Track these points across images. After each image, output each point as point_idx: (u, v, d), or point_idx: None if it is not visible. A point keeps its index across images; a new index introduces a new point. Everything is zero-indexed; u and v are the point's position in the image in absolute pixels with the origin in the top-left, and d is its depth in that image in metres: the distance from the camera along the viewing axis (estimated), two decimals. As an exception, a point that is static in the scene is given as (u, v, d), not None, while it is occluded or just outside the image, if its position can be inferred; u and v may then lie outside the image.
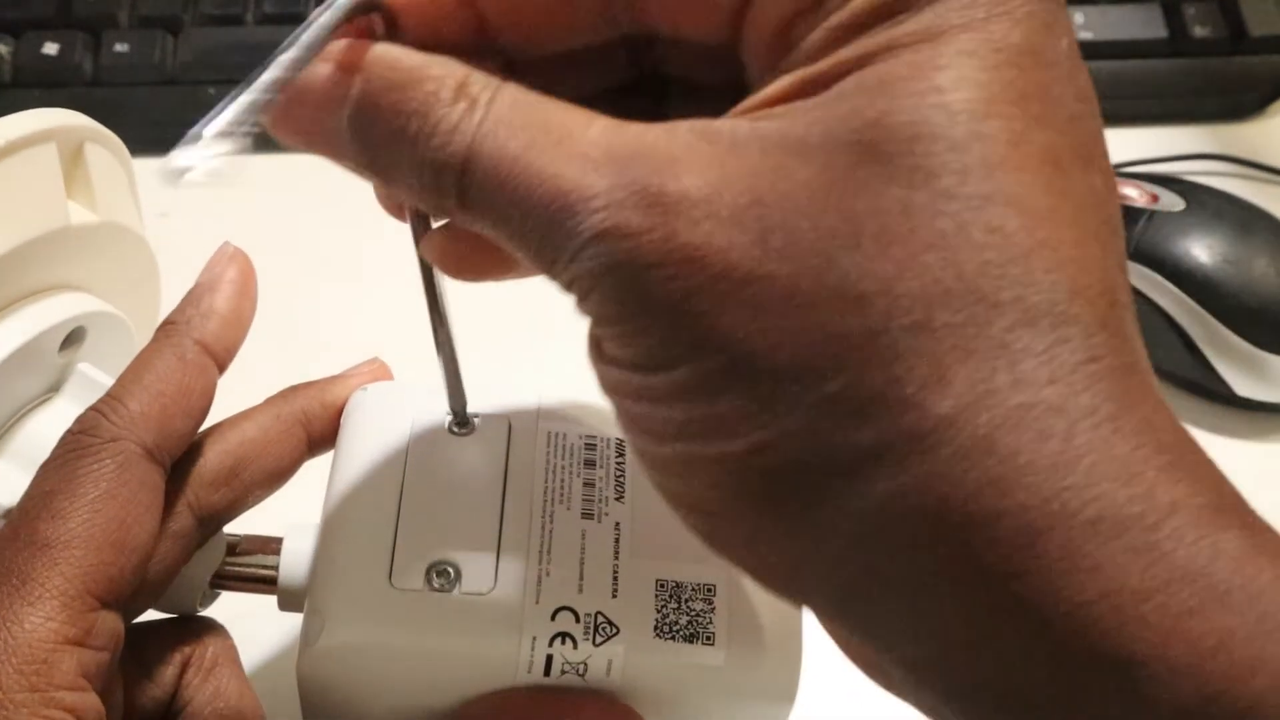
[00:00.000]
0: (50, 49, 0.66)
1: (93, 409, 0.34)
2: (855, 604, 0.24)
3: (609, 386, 0.27)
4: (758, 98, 0.25)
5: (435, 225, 0.31)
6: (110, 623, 0.32)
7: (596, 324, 0.26)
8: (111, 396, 0.34)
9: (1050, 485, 0.22)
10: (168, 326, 0.36)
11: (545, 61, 0.30)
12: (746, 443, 0.24)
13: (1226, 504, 0.23)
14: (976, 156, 0.23)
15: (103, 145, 0.42)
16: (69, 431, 0.34)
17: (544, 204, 0.25)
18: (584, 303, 0.26)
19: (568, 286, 0.26)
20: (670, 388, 0.25)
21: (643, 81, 0.32)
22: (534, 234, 0.25)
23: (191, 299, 0.37)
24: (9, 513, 0.37)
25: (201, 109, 0.65)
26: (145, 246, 0.45)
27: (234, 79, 0.69)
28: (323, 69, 0.27)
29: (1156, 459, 0.22)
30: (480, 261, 0.31)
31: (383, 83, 0.26)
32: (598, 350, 0.27)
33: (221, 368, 0.36)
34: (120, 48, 0.66)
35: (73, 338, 0.40)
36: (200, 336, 0.36)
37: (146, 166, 0.49)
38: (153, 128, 0.65)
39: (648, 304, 0.24)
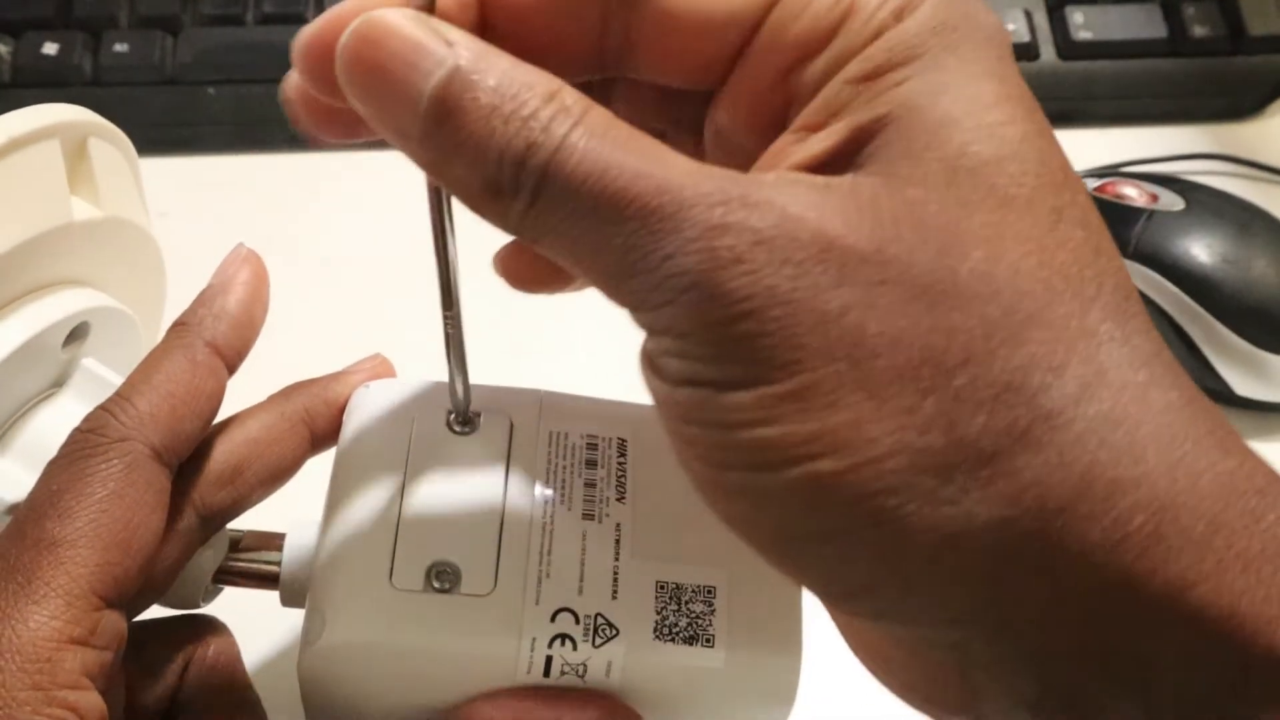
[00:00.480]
0: (50, 49, 0.66)
1: (102, 408, 0.34)
2: (988, 592, 0.25)
3: (682, 412, 0.26)
4: (812, 152, 0.27)
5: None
6: (114, 622, 0.32)
7: (675, 341, 0.25)
8: (120, 396, 0.34)
9: (1175, 452, 0.24)
10: (179, 327, 0.36)
11: None
12: (874, 450, 0.24)
13: None
14: (1047, 179, 0.25)
15: (107, 140, 0.42)
16: (77, 429, 0.34)
17: (643, 197, 0.24)
18: (662, 314, 0.25)
19: (645, 296, 0.25)
20: (782, 400, 0.24)
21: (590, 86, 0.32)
22: (621, 233, 0.24)
23: (203, 300, 0.37)
24: (14, 509, 0.37)
25: (201, 109, 0.65)
26: (151, 241, 0.45)
27: (234, 79, 0.70)
28: (414, 27, 0.26)
29: (1232, 439, 0.25)
30: (543, 272, 0.33)
31: (483, 63, 0.25)
32: (663, 375, 0.26)
33: (231, 370, 0.36)
34: (120, 48, 0.66)
35: (77, 333, 0.40)
36: (211, 338, 0.36)
37: (147, 166, 0.49)
38: (153, 128, 0.65)
39: (757, 309, 0.24)
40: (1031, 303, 0.24)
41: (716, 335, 0.24)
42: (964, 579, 0.24)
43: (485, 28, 0.29)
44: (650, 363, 0.27)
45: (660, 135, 0.28)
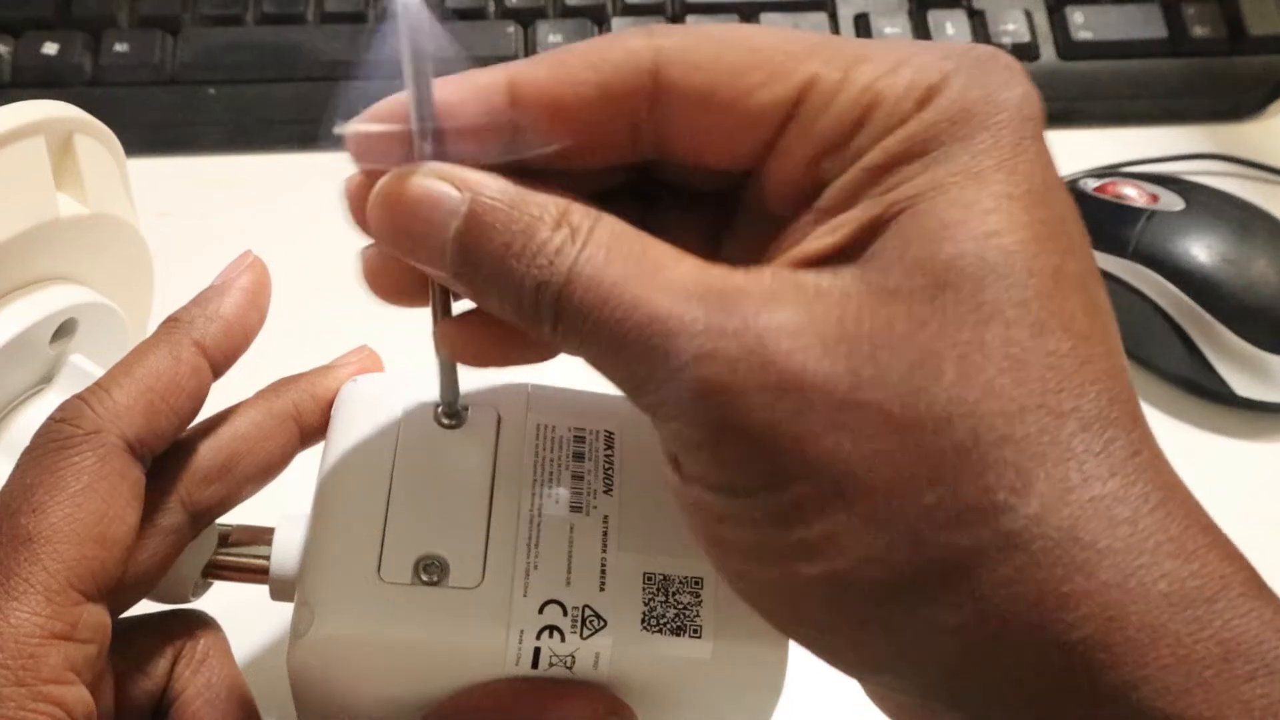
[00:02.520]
0: (50, 49, 0.66)
1: (78, 397, 0.34)
2: (958, 682, 0.27)
3: (693, 507, 0.29)
4: (818, 245, 0.28)
5: (453, 307, 0.33)
6: (96, 616, 0.32)
7: (684, 448, 0.28)
8: (99, 386, 0.34)
9: (1128, 565, 0.25)
10: (170, 323, 0.37)
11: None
12: (851, 559, 0.26)
13: (1259, 580, 0.26)
14: (1033, 291, 0.26)
15: (92, 136, 0.42)
16: (51, 418, 0.34)
17: (639, 329, 0.27)
18: (672, 424, 0.28)
19: (655, 409, 0.28)
20: (767, 511, 0.27)
21: (632, 186, 0.33)
22: (626, 358, 0.27)
23: (199, 300, 0.37)
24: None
25: (201, 109, 0.65)
26: (138, 236, 0.45)
27: (234, 79, 0.70)
28: (428, 182, 0.29)
29: (1203, 537, 0.26)
30: (494, 349, 0.33)
31: (491, 203, 0.28)
32: (680, 471, 0.29)
33: (217, 373, 0.36)
34: (120, 48, 0.66)
35: (64, 329, 0.40)
36: (200, 338, 0.36)
37: (146, 166, 0.49)
38: (152, 128, 0.65)
39: (743, 429, 0.26)
40: (1003, 423, 0.25)
41: (712, 453, 0.27)
42: (935, 671, 0.27)
43: (518, 132, 0.30)
44: (669, 457, 0.29)
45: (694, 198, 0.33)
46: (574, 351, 0.29)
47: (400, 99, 0.30)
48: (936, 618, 0.26)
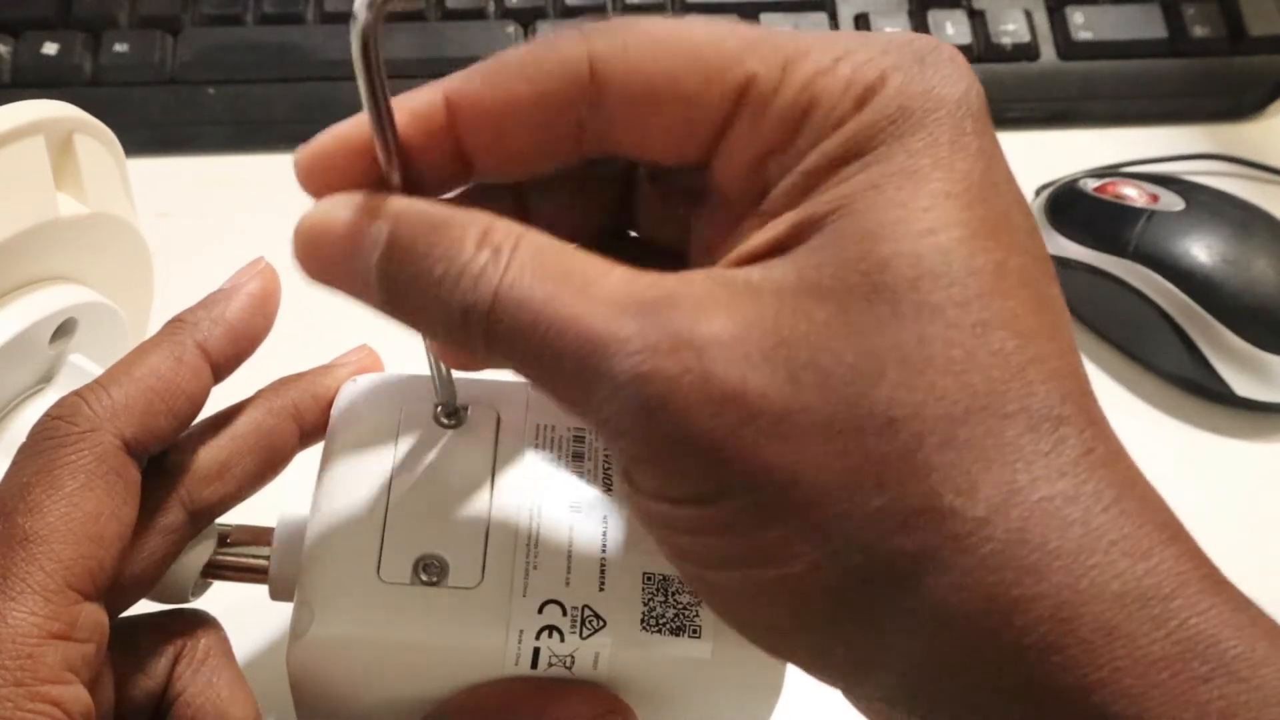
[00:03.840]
0: (50, 49, 0.66)
1: (76, 393, 0.34)
2: (916, 688, 0.27)
3: (647, 517, 0.29)
4: (754, 244, 0.28)
5: None
6: (93, 615, 0.32)
7: (632, 462, 0.28)
8: (98, 383, 0.34)
9: (1079, 565, 0.25)
10: (174, 324, 0.36)
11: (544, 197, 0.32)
12: (803, 564, 0.26)
13: (1219, 577, 0.26)
14: (973, 289, 0.26)
15: (92, 136, 0.42)
16: (47, 415, 0.34)
17: (573, 348, 0.26)
18: (617, 442, 0.27)
19: (598, 427, 0.28)
20: (717, 521, 0.27)
21: (621, 223, 0.34)
22: (561, 377, 0.27)
23: (207, 302, 0.37)
24: None
25: (201, 109, 0.65)
26: (138, 236, 0.45)
27: (234, 79, 0.70)
28: (346, 215, 0.29)
29: (1159, 535, 0.25)
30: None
31: (409, 230, 0.28)
32: (631, 483, 0.29)
33: (218, 377, 0.36)
34: (120, 48, 0.66)
35: (64, 329, 0.40)
36: (203, 340, 0.36)
37: (146, 166, 0.49)
38: (153, 128, 0.65)
39: (687, 444, 0.26)
40: (946, 425, 0.25)
41: (660, 467, 0.27)
42: (893, 677, 0.27)
43: (459, 145, 0.30)
44: (621, 470, 0.29)
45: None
46: (515, 370, 0.28)
47: (349, 125, 0.30)
48: (889, 623, 0.26)
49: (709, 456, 0.26)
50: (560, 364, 0.27)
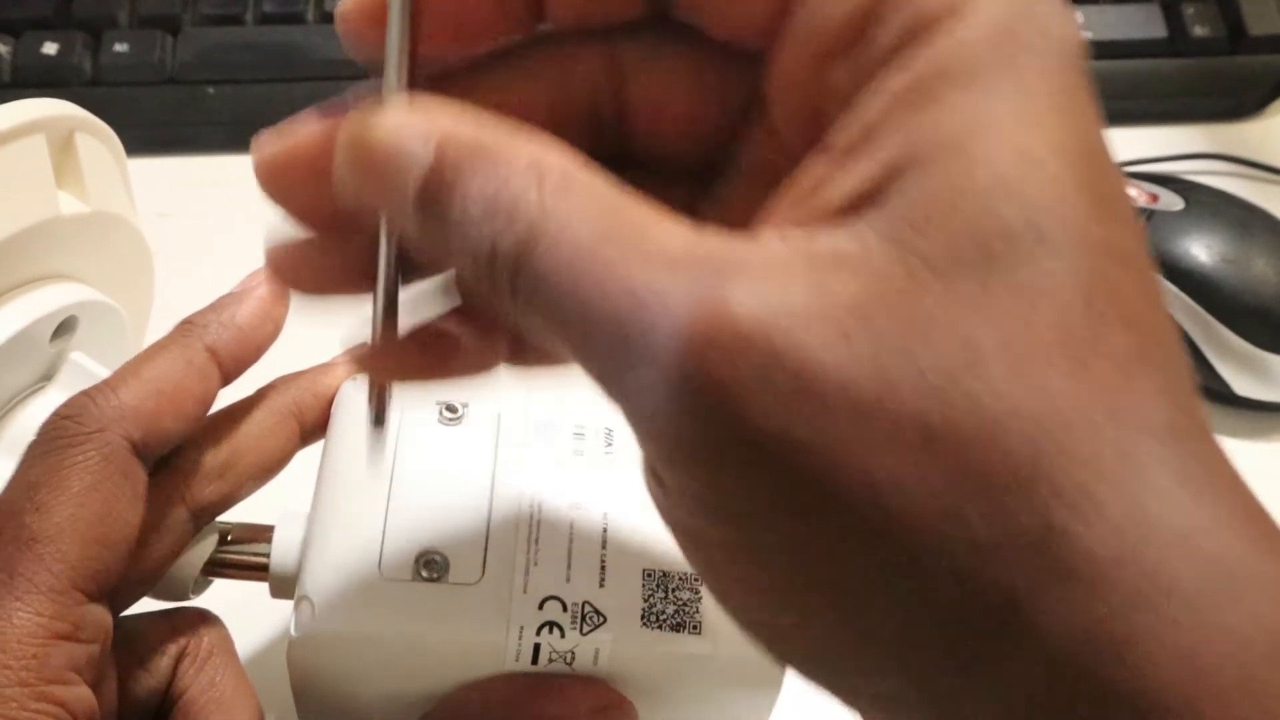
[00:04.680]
0: (50, 49, 0.66)
1: (84, 394, 0.34)
2: None
3: (678, 530, 0.24)
4: (833, 195, 0.22)
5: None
6: (98, 615, 0.32)
7: (664, 462, 0.23)
8: (106, 384, 0.34)
9: (1216, 608, 0.20)
10: (185, 326, 0.36)
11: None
12: (883, 605, 0.21)
13: None
14: (1087, 270, 0.21)
15: (93, 134, 0.42)
16: (55, 414, 0.34)
17: (614, 305, 0.22)
18: (649, 432, 0.23)
19: (633, 411, 0.23)
20: (773, 546, 0.22)
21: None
22: (596, 341, 0.22)
23: (217, 305, 0.37)
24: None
25: (201, 109, 0.65)
26: (138, 235, 0.45)
27: (234, 79, 0.70)
28: (391, 123, 0.24)
29: None
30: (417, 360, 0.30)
31: (456, 148, 0.24)
32: (662, 486, 0.24)
33: (226, 380, 0.36)
34: (120, 48, 0.66)
35: (65, 327, 0.40)
36: (212, 343, 0.36)
37: (146, 166, 0.49)
38: (153, 128, 0.65)
39: (740, 442, 0.21)
40: (1063, 433, 0.20)
41: (701, 470, 0.22)
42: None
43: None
44: (650, 469, 0.24)
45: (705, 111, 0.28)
46: (541, 331, 0.24)
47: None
48: (980, 669, 0.21)
49: (769, 461, 0.21)
50: (595, 325, 0.22)
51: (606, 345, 0.22)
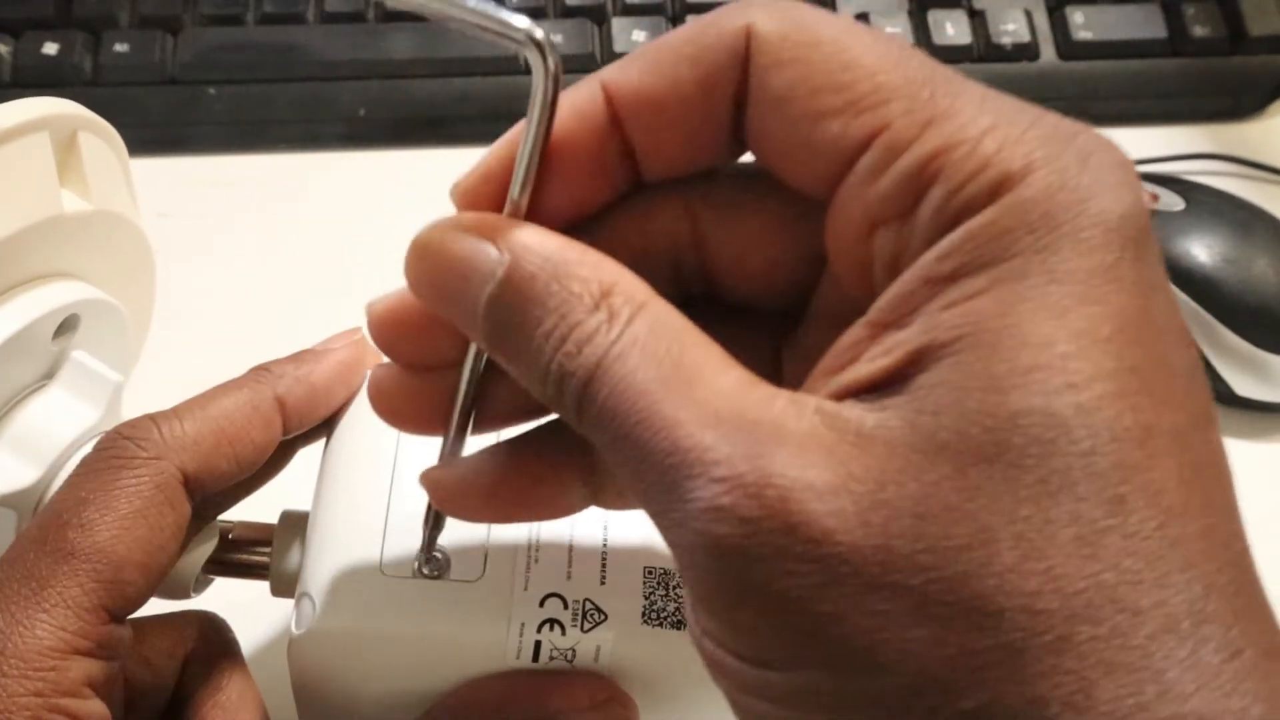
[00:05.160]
0: (50, 49, 0.66)
1: (148, 417, 0.34)
2: None
3: (711, 664, 0.25)
4: (864, 373, 0.24)
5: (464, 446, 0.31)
6: (120, 635, 0.32)
7: (698, 602, 0.25)
8: (173, 412, 0.34)
9: None
10: (260, 371, 0.37)
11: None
12: None
13: None
14: (1113, 458, 0.22)
15: (96, 133, 0.42)
16: (117, 432, 0.34)
17: (659, 454, 0.23)
18: (687, 571, 0.24)
19: (672, 546, 0.24)
20: (786, 689, 0.23)
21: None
22: (643, 480, 0.24)
23: (296, 358, 0.37)
24: (6, 499, 0.37)
25: (201, 109, 0.65)
26: (140, 234, 0.45)
27: (234, 79, 0.69)
28: (465, 239, 0.26)
29: None
30: (491, 504, 0.31)
31: (528, 269, 0.25)
32: (698, 623, 0.25)
33: (287, 433, 0.36)
34: (120, 48, 0.66)
35: (66, 325, 0.40)
36: (283, 394, 0.36)
37: (147, 166, 0.49)
38: (153, 128, 0.65)
39: (757, 598, 0.23)
40: (1064, 622, 0.21)
41: (725, 617, 0.24)
42: None
43: (623, 139, 0.28)
44: (689, 606, 0.26)
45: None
46: (600, 448, 0.25)
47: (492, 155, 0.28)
48: None
49: (781, 617, 0.22)
50: (644, 466, 0.24)
51: (655, 484, 0.24)
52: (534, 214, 0.27)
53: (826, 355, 0.25)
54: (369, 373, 0.32)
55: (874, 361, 0.24)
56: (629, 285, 0.25)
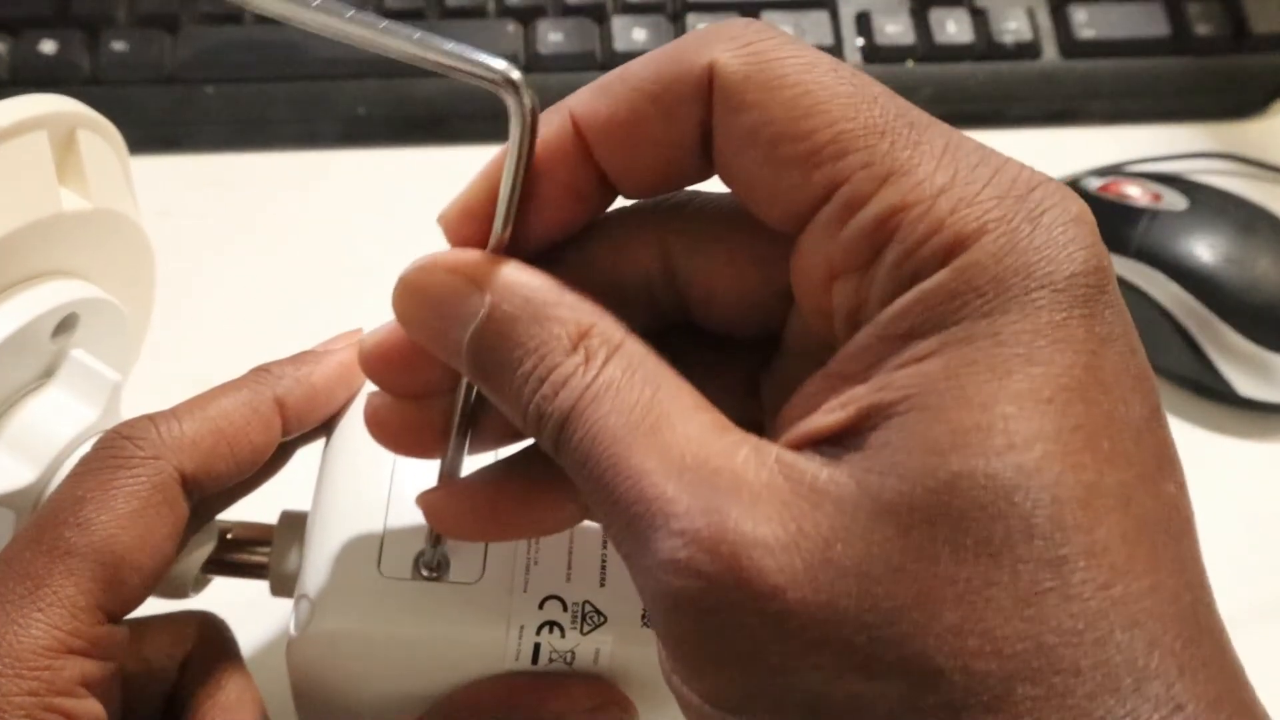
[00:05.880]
0: (48, 47, 0.65)
1: (147, 418, 0.34)
2: None
3: (680, 702, 0.26)
4: (821, 425, 0.24)
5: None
6: (116, 635, 0.32)
7: (662, 644, 0.26)
8: (171, 412, 0.34)
9: None
10: (259, 373, 0.36)
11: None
12: None
13: None
14: (1054, 519, 0.22)
15: (95, 131, 0.42)
16: (116, 431, 0.34)
17: (626, 501, 0.24)
18: (652, 615, 0.25)
19: (639, 590, 0.26)
20: None
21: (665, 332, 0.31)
22: (614, 523, 0.25)
23: (296, 359, 0.37)
24: (5, 499, 0.37)
25: (200, 108, 0.65)
26: (140, 232, 0.45)
27: (233, 78, 0.69)
28: (447, 279, 0.27)
29: None
30: (488, 523, 0.32)
31: (509, 310, 0.27)
32: (667, 663, 0.26)
33: (287, 433, 0.36)
34: (118, 46, 0.66)
35: (65, 324, 0.40)
36: (282, 396, 0.36)
37: (146, 165, 0.49)
38: (151, 126, 0.65)
39: (714, 646, 0.24)
40: (1000, 682, 0.22)
41: (684, 662, 0.25)
42: None
43: (595, 165, 0.28)
44: (659, 647, 0.27)
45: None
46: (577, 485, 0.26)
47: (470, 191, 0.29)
48: None
49: (734, 666, 0.24)
50: (614, 511, 0.25)
51: (623, 530, 0.25)
52: (516, 241, 0.28)
53: (793, 399, 0.27)
54: (366, 395, 0.32)
55: (831, 414, 0.24)
56: (606, 326, 0.26)
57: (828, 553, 0.23)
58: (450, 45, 0.26)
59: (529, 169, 0.27)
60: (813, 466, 0.24)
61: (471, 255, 0.28)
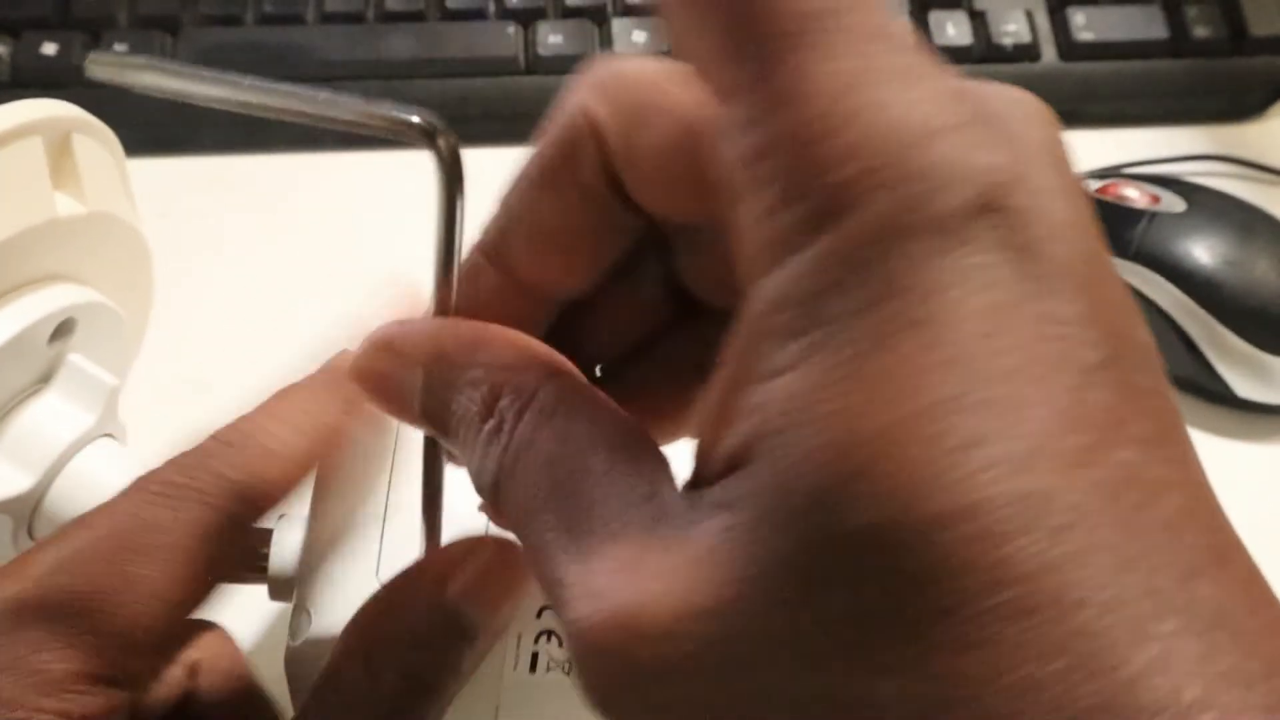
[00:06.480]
0: (49, 49, 0.65)
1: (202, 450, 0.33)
2: None
3: None
4: (710, 464, 0.23)
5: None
6: (141, 665, 0.32)
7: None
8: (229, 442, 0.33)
9: None
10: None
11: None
12: None
13: None
14: (918, 552, 0.20)
15: (90, 135, 0.42)
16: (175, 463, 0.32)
17: (542, 577, 0.24)
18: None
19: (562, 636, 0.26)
20: None
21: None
22: (541, 584, 0.25)
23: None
24: (4, 505, 0.37)
25: (201, 109, 0.65)
26: (137, 235, 0.45)
27: (232, 78, 0.68)
28: (384, 365, 0.28)
29: None
30: None
31: (441, 377, 0.27)
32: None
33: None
34: (119, 48, 0.66)
35: (63, 329, 0.40)
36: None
37: (146, 166, 0.49)
38: (151, 128, 0.65)
39: (615, 712, 0.24)
40: None
41: (597, 713, 0.24)
42: None
43: (524, 285, 0.30)
44: None
45: None
46: None
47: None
48: None
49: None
50: (539, 576, 0.25)
51: (546, 591, 0.24)
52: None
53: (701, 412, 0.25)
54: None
55: (720, 443, 0.23)
56: (517, 380, 0.26)
57: (720, 614, 0.21)
58: (360, 102, 0.25)
59: (462, 217, 0.27)
60: (707, 517, 0.22)
61: (400, 331, 0.28)
